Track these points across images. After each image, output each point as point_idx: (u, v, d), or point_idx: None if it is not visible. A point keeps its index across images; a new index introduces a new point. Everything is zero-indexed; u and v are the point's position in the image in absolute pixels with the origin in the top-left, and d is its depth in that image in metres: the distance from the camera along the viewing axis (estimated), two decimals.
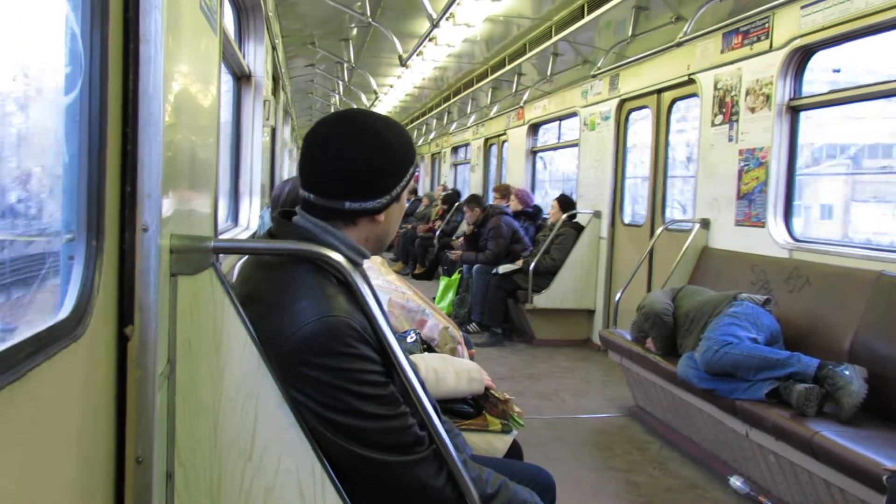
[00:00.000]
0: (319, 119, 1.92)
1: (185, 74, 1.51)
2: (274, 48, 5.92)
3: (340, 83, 11.52)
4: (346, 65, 9.87)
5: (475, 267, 8.88)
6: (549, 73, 8.38)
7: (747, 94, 5.49)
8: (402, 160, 1.89)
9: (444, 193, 14.42)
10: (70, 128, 1.18)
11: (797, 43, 5.00)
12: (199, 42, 1.69)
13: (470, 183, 15.18)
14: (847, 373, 3.77)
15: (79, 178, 1.18)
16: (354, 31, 8.23)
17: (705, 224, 6.02)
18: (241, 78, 4.65)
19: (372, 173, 1.82)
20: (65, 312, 1.09)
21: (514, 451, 2.87)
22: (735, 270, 5.43)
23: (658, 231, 6.56)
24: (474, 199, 9.53)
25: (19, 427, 0.93)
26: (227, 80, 4.47)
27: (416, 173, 22.26)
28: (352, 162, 1.80)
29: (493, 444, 2.82)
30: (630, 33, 6.23)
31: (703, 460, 4.77)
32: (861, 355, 4.05)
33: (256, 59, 4.75)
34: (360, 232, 1.88)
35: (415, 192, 18.83)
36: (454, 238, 11.63)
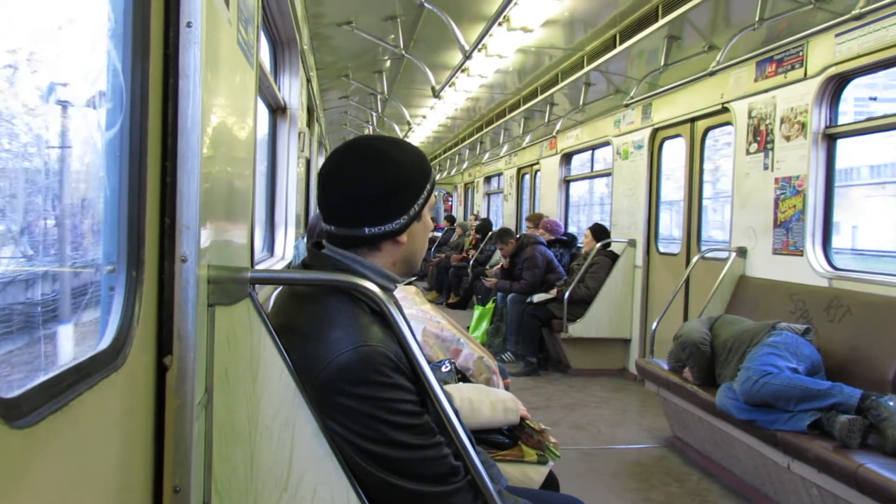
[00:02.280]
0: (331, 152, 1.93)
1: (222, 108, 1.53)
2: (309, 81, 6.00)
3: (374, 114, 11.63)
4: (379, 96, 9.97)
5: (509, 296, 8.86)
6: (581, 102, 8.39)
7: (782, 122, 5.45)
8: (416, 178, 1.88)
9: (476, 223, 14.44)
10: (111, 162, 1.21)
11: (832, 71, 4.95)
12: (237, 76, 1.72)
13: (503, 212, 15.19)
14: (891, 403, 3.69)
15: (119, 210, 1.20)
16: (388, 64, 8.32)
17: (742, 252, 5.95)
18: (277, 110, 4.71)
19: (385, 195, 1.82)
20: (105, 342, 1.11)
21: (550, 482, 2.84)
22: (773, 299, 5.35)
23: (694, 260, 6.50)
24: (506, 233, 9.50)
25: (60, 456, 0.94)
26: (263, 113, 4.53)
27: (450, 203, 22.45)
28: (363, 187, 1.81)
29: (529, 474, 2.80)
30: (662, 63, 6.22)
31: (743, 493, 4.68)
32: None
33: (291, 91, 4.82)
34: (386, 256, 1.88)
35: (452, 219, 18.88)
36: (488, 267, 11.62)
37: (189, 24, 1.31)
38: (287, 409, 1.57)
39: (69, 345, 1.22)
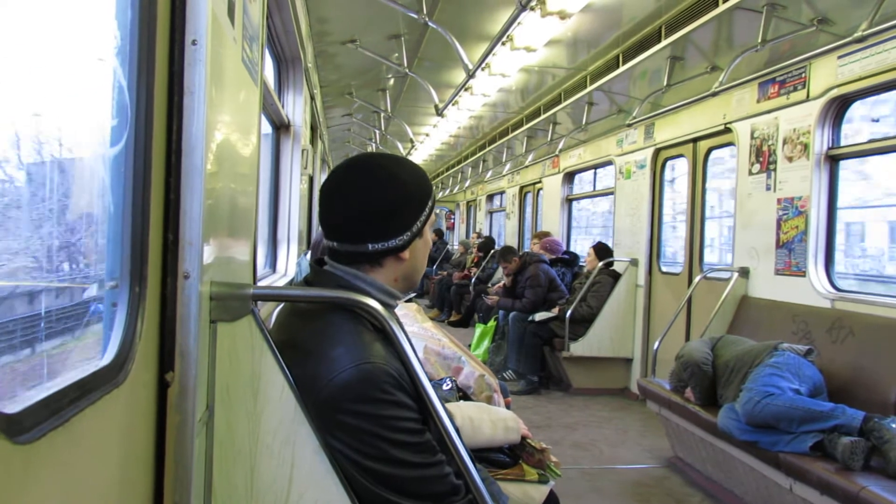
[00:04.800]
0: (333, 168, 1.94)
1: (226, 125, 1.54)
2: (312, 98, 6.03)
3: (377, 132, 11.67)
4: (382, 114, 10.01)
5: (511, 314, 8.84)
6: (584, 122, 8.41)
7: (784, 143, 5.47)
8: (418, 195, 1.89)
9: (478, 241, 14.45)
10: (115, 178, 1.22)
11: (834, 93, 4.97)
12: (241, 93, 1.73)
13: (505, 230, 15.20)
14: (894, 426, 3.69)
15: (123, 226, 1.21)
16: (391, 82, 8.36)
17: (744, 273, 5.95)
18: (281, 127, 4.73)
19: (389, 211, 1.83)
20: (107, 358, 1.11)
21: (551, 501, 2.83)
22: (775, 320, 5.35)
23: (696, 279, 6.50)
24: (509, 251, 9.50)
25: (61, 471, 0.94)
26: (266, 130, 4.55)
27: (452, 220, 22.48)
28: (368, 203, 1.82)
29: (530, 494, 2.79)
30: (665, 83, 6.24)
31: None
32: None
33: (295, 108, 4.84)
34: (388, 272, 1.89)
35: (440, 233, 18.93)
36: (490, 285, 11.62)
37: (194, 42, 1.32)
38: (288, 426, 1.57)
39: (71, 360, 1.22)
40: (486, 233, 16.76)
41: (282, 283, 4.20)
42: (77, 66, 1.24)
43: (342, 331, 1.69)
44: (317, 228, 6.41)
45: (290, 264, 4.61)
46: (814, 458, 3.86)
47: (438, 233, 19.17)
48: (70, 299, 1.25)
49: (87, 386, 1.01)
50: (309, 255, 4.96)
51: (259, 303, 1.71)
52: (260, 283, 3.19)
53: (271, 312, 2.87)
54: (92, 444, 1.04)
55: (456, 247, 17.42)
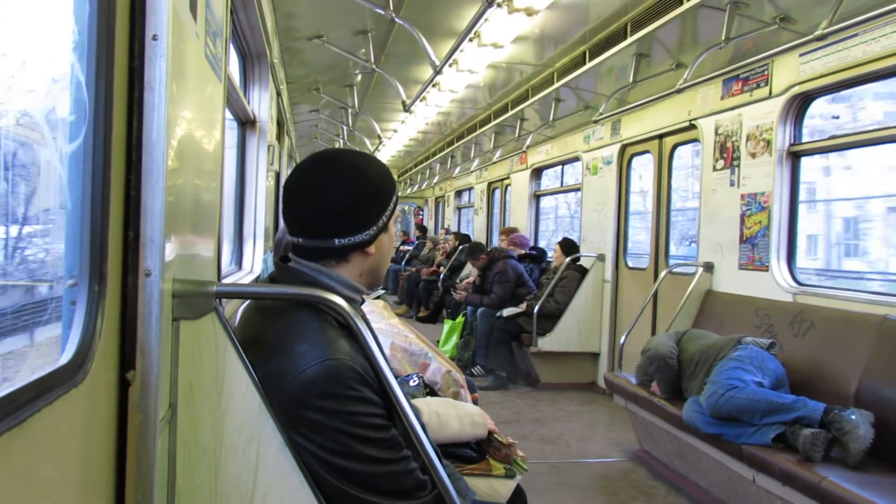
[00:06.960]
0: (297, 164, 1.94)
1: (188, 121, 1.53)
2: (279, 94, 5.99)
3: (345, 128, 11.61)
4: (350, 110, 9.98)
5: (479, 310, 8.87)
6: (551, 118, 8.44)
7: (748, 139, 5.53)
8: (383, 189, 1.90)
9: (447, 237, 14.49)
10: (73, 175, 1.20)
11: (796, 90, 5.04)
12: (204, 89, 1.71)
13: (473, 226, 15.23)
14: (853, 417, 3.75)
15: (82, 223, 1.19)
16: (359, 78, 8.33)
17: (709, 268, 6.01)
18: (246, 123, 4.69)
19: (355, 206, 1.84)
20: (66, 358, 1.10)
21: (518, 496, 2.84)
22: (739, 314, 5.41)
23: (662, 274, 6.56)
24: (477, 248, 9.52)
25: (18, 474, 0.93)
26: (232, 126, 4.51)
27: (420, 216, 22.48)
28: (334, 198, 1.82)
29: (497, 488, 2.80)
30: (631, 80, 6.28)
31: None
32: (867, 399, 4.02)
33: (261, 104, 4.80)
34: (354, 267, 1.89)
35: (424, 230, 18.93)
36: (458, 281, 11.63)
37: (155, 38, 1.30)
38: (252, 424, 1.56)
39: (28, 360, 1.20)
40: (454, 229, 16.77)
41: (248, 279, 4.17)
42: (34, 61, 1.22)
43: (306, 327, 1.69)
44: (282, 225, 6.37)
45: (257, 261, 4.58)
46: (776, 450, 3.92)
47: (422, 228, 19.21)
48: (28, 298, 1.23)
49: (44, 385, 1.00)
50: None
51: (224, 300, 1.70)
52: (225, 280, 3.17)
53: (237, 309, 2.85)
54: (50, 446, 1.02)
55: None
